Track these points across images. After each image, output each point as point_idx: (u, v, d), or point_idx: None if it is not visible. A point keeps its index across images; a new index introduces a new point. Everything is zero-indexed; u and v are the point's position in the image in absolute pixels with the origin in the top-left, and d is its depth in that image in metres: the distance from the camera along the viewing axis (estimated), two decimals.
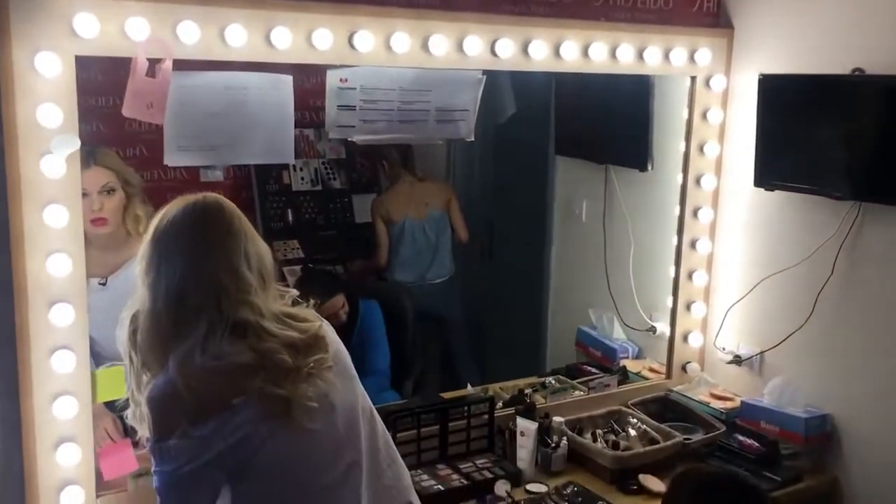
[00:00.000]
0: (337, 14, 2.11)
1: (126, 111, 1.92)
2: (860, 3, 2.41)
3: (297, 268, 3.66)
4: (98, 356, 1.99)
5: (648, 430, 2.59)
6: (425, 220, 3.80)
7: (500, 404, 2.64)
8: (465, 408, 2.52)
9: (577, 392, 2.84)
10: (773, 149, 2.58)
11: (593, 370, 3.06)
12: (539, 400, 2.71)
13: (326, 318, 2.96)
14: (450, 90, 2.41)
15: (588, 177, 3.35)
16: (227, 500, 1.54)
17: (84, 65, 1.88)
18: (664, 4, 2.68)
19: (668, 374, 2.95)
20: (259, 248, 1.57)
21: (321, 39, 2.10)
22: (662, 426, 2.62)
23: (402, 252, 3.80)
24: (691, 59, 2.70)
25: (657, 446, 2.51)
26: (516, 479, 2.38)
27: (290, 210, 3.94)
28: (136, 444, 1.93)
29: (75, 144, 1.85)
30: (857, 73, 2.37)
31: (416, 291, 3.66)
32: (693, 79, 2.75)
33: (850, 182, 2.39)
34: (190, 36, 1.94)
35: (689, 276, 2.89)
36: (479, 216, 4.08)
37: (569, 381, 2.92)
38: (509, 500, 2.27)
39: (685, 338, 2.94)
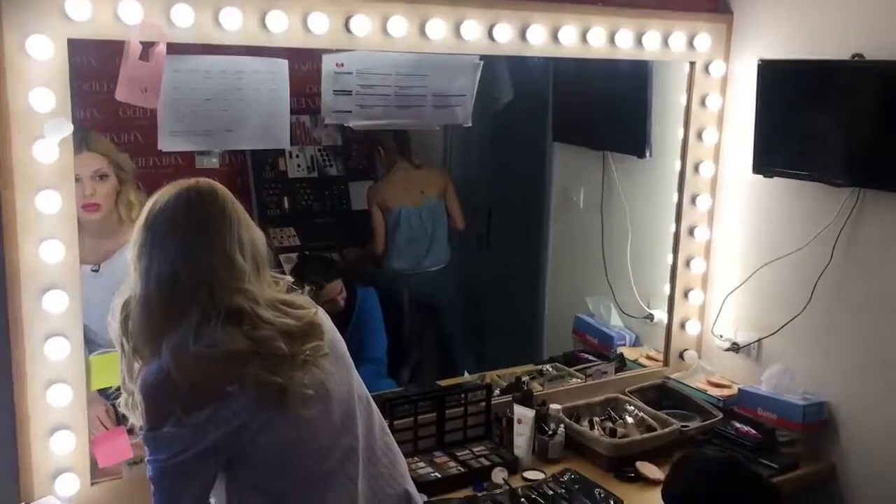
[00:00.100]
0: None
1: (119, 95, 1.90)
2: None
3: (294, 255, 3.64)
4: (92, 343, 1.97)
5: (646, 417, 2.59)
6: (421, 207, 3.79)
7: (497, 392, 2.64)
8: (462, 395, 2.51)
9: (574, 379, 2.83)
10: (772, 135, 2.57)
11: (590, 358, 3.05)
12: (536, 387, 2.71)
13: (324, 305, 2.96)
14: (447, 75, 2.39)
15: (586, 164, 3.33)
16: (222, 488, 1.53)
17: (78, 50, 1.85)
18: None
19: (666, 362, 2.95)
20: (253, 234, 1.55)
21: (317, 23, 2.08)
22: (660, 413, 2.62)
23: (398, 239, 3.78)
24: (690, 44, 2.68)
25: (654, 434, 2.50)
26: (513, 466, 2.38)
27: (286, 197, 3.92)
28: (130, 432, 1.92)
29: (68, 129, 1.83)
30: (857, 58, 2.35)
31: (412, 279, 3.65)
32: (692, 64, 2.73)
33: (850, 168, 2.38)
34: (184, 19, 1.91)
35: (687, 263, 2.89)
36: (476, 203, 4.06)
37: (566, 368, 2.91)
38: (506, 487, 2.26)
39: (683, 325, 2.94)
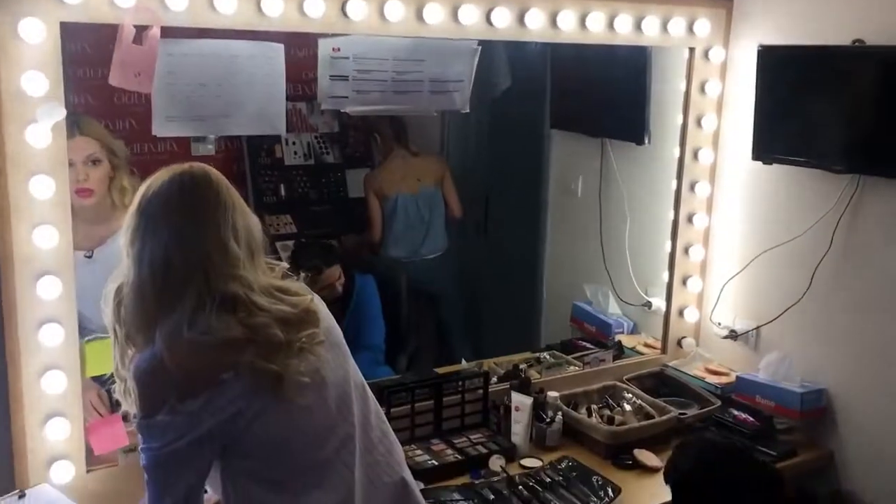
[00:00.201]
0: None
1: (113, 80, 1.88)
2: None
3: (290, 243, 3.63)
4: (85, 330, 1.96)
5: (643, 405, 2.58)
6: (418, 195, 3.77)
7: (494, 379, 2.63)
8: (460, 383, 2.50)
9: (571, 367, 2.83)
10: (771, 122, 2.55)
11: (588, 345, 3.04)
12: (534, 375, 2.70)
13: (321, 290, 2.96)
14: (445, 60, 2.37)
15: (584, 151, 3.32)
16: (217, 476, 1.52)
17: (72, 35, 1.83)
18: None
19: (664, 349, 2.94)
20: (248, 220, 1.53)
21: (313, 7, 2.05)
22: (657, 401, 2.61)
23: (395, 227, 3.77)
24: (690, 30, 2.66)
25: (652, 421, 2.50)
26: (511, 454, 2.37)
27: (282, 184, 3.91)
28: (125, 418, 1.91)
29: (61, 113, 1.81)
30: (857, 44, 2.33)
31: (409, 267, 3.64)
32: (691, 50, 2.72)
33: (850, 155, 2.36)
34: (178, 2, 1.89)
35: (686, 250, 2.87)
36: (473, 191, 4.05)
37: (564, 356, 2.91)
38: (504, 475, 2.26)
39: (681, 313, 2.93)
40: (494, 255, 4.05)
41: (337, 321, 1.69)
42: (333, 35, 2.17)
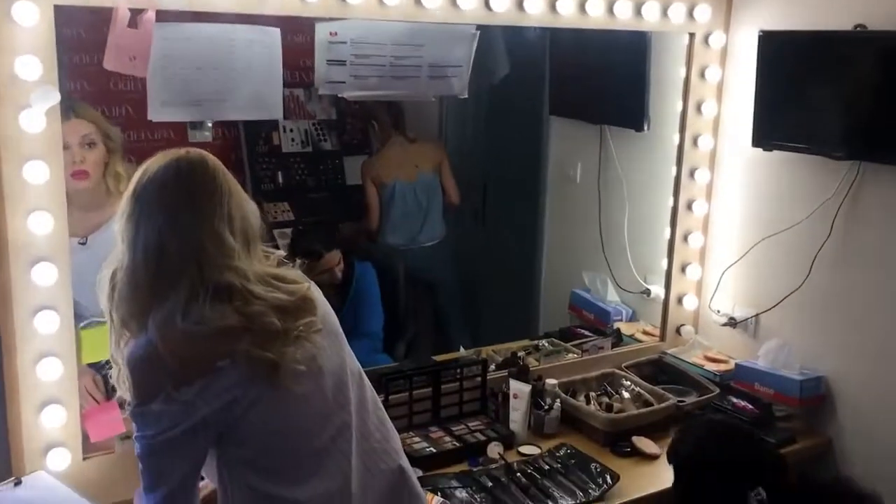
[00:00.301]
0: None
1: (107, 64, 1.86)
2: None
3: (288, 230, 3.62)
4: (80, 318, 1.94)
5: (642, 392, 2.58)
6: (416, 182, 3.75)
7: (492, 367, 2.62)
8: (458, 370, 2.50)
9: (570, 355, 2.82)
10: (772, 108, 2.53)
11: (587, 333, 3.04)
12: (532, 362, 2.70)
13: (320, 275, 2.95)
14: (443, 45, 2.35)
15: (583, 137, 3.30)
16: (213, 465, 1.51)
17: (67, 21, 1.81)
18: None
19: (662, 337, 2.94)
20: (244, 208, 1.51)
21: None
22: (656, 388, 2.61)
23: (392, 215, 3.75)
24: (690, 15, 2.64)
25: (651, 409, 2.49)
26: (509, 441, 2.37)
27: (280, 172, 3.89)
28: (121, 406, 1.90)
29: (55, 98, 1.79)
30: (859, 29, 2.32)
31: (407, 254, 3.63)
32: (691, 36, 2.70)
33: (850, 142, 2.35)
34: None
35: (685, 237, 2.86)
36: (471, 178, 4.03)
37: (562, 343, 2.90)
38: (502, 462, 2.25)
39: (680, 300, 2.92)
40: (492, 242, 4.04)
41: (336, 308, 1.68)
42: (331, 19, 2.15)
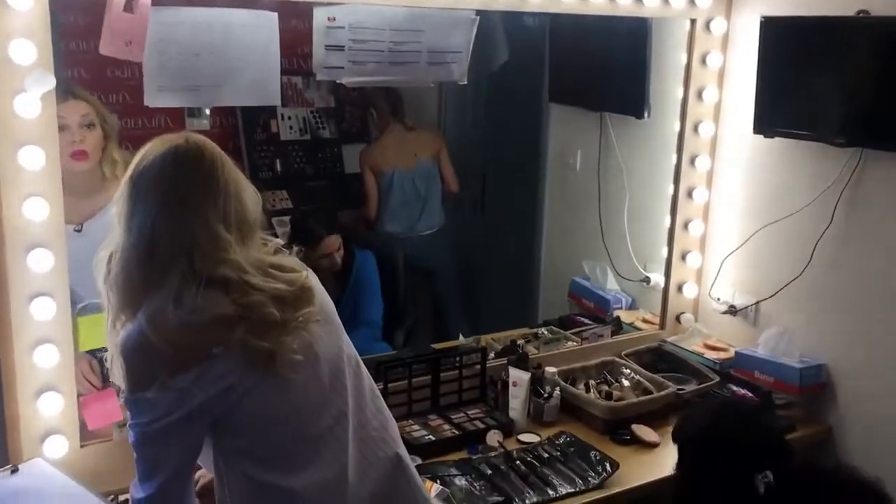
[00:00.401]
0: None
1: (103, 49, 1.84)
2: None
3: (286, 218, 3.60)
4: (76, 305, 1.93)
5: (642, 380, 2.57)
6: (415, 170, 3.74)
7: (492, 355, 2.61)
8: (457, 358, 2.49)
9: (569, 343, 2.81)
10: (773, 94, 2.52)
11: (586, 321, 3.03)
12: (532, 350, 2.69)
13: (320, 259, 2.93)
14: (442, 31, 2.32)
15: (583, 125, 3.28)
16: (209, 452, 1.50)
17: (63, 7, 1.80)
18: None
19: (662, 325, 2.93)
20: (242, 198, 1.49)
21: None
22: (656, 377, 2.60)
23: (391, 203, 3.74)
24: (691, 1, 2.62)
25: (650, 397, 2.49)
26: (508, 429, 2.36)
27: (278, 160, 3.87)
28: (118, 393, 1.89)
29: (50, 82, 1.77)
30: (861, 15, 2.30)
31: (406, 242, 3.62)
32: (692, 22, 2.68)
33: (852, 128, 2.33)
34: None
35: (685, 225, 2.85)
36: (470, 166, 4.01)
37: (562, 331, 2.89)
38: (501, 450, 2.25)
39: (680, 288, 2.91)
40: (491, 230, 4.03)
41: (336, 297, 1.67)
42: (329, 3, 2.13)
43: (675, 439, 1.95)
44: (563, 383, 2.51)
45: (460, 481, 2.09)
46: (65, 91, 1.94)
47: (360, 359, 1.67)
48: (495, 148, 4.02)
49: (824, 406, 2.53)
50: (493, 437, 2.30)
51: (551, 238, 3.65)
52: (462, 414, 2.42)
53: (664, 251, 2.89)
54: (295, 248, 1.62)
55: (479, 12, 2.34)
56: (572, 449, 2.26)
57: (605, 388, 2.54)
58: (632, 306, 3.11)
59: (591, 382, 2.58)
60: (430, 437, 2.29)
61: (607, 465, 2.17)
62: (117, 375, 1.46)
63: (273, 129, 3.87)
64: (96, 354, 2.01)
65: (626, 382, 2.58)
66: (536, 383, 2.46)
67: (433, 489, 2.00)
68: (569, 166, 3.44)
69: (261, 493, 1.49)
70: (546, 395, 2.45)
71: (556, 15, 2.47)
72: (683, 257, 2.88)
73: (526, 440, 2.33)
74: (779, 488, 1.74)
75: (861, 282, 2.42)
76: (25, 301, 1.84)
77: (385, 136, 3.79)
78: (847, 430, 2.49)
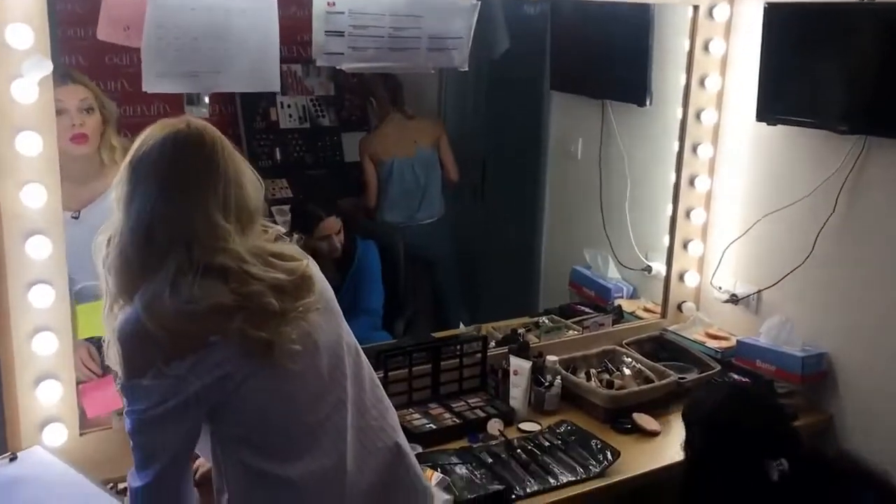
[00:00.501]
0: None
1: (101, 34, 1.83)
2: None
3: (286, 207, 3.59)
4: (73, 292, 1.92)
5: (643, 369, 2.56)
6: (415, 158, 3.72)
7: (492, 343, 2.60)
8: (458, 347, 2.48)
9: (570, 331, 2.80)
10: (776, 81, 2.50)
11: (587, 310, 3.02)
12: (532, 339, 2.68)
13: (319, 241, 2.91)
14: (443, 17, 2.30)
15: (584, 112, 3.26)
16: (207, 440, 1.49)
17: None
18: None
19: (664, 314, 2.92)
20: (242, 186, 1.47)
21: None
22: (657, 365, 2.59)
23: (391, 192, 3.72)
24: None
25: (651, 385, 2.48)
26: (509, 418, 2.35)
27: (277, 148, 3.86)
28: (116, 379, 1.88)
29: (47, 67, 1.75)
30: (866, 1, 2.28)
31: (406, 231, 3.60)
32: (695, 8, 2.65)
33: (856, 115, 2.32)
34: None
35: (687, 214, 2.84)
36: (470, 154, 3.99)
37: (562, 320, 2.88)
38: (502, 439, 2.24)
39: (681, 277, 2.90)
40: (492, 219, 4.01)
41: (337, 285, 1.65)
42: None
43: (685, 420, 1.94)
44: (563, 372, 2.50)
45: (461, 470, 2.08)
46: (63, 75, 1.93)
47: (359, 347, 1.66)
48: (496, 136, 4.00)
49: (825, 394, 2.53)
50: (494, 426, 2.29)
51: (552, 226, 3.64)
52: (463, 403, 2.42)
53: (666, 240, 2.88)
54: (295, 237, 1.61)
55: None
56: (573, 437, 2.26)
57: (606, 376, 2.53)
58: (633, 295, 3.10)
59: (592, 371, 2.57)
60: (431, 425, 2.29)
61: (608, 453, 2.16)
62: (113, 361, 1.45)
63: (272, 118, 3.85)
64: (97, 342, 2.00)
65: (627, 371, 2.57)
66: (537, 372, 2.45)
67: (434, 477, 1.99)
68: (570, 154, 3.42)
69: (259, 482, 1.48)
70: (547, 384, 2.44)
71: (558, 2, 2.46)
72: (685, 246, 2.87)
73: (527, 429, 2.32)
74: (789, 475, 1.73)
75: (864, 271, 2.41)
76: (24, 288, 1.83)
77: (385, 125, 3.77)
78: (848, 419, 2.48)
